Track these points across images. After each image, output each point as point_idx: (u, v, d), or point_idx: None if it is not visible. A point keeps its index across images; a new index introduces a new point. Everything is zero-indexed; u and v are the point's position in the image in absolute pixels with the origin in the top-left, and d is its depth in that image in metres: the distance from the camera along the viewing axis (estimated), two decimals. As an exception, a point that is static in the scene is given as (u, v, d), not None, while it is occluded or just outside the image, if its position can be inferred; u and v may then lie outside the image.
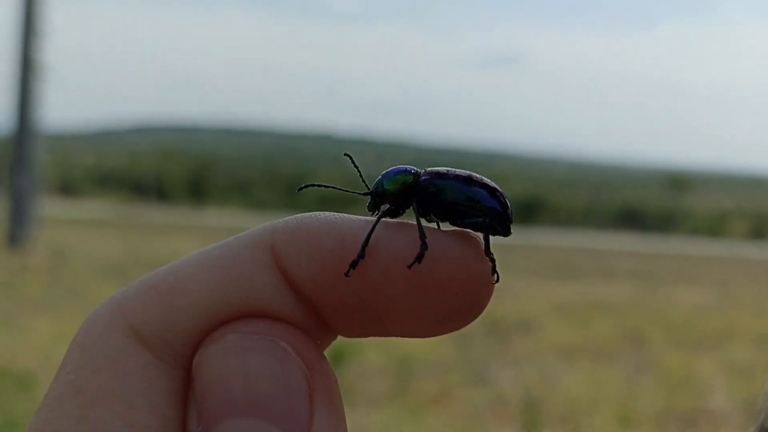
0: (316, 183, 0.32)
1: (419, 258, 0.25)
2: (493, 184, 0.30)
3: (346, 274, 0.25)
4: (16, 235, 10.76)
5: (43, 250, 10.18)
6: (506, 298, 8.17)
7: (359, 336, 0.27)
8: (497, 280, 0.28)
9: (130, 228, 16.14)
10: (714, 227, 32.22)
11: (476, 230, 0.29)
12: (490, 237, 0.29)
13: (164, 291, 0.24)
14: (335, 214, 0.26)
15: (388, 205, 0.30)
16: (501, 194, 0.30)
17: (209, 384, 0.23)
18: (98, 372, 0.23)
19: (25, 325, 5.15)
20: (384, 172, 0.30)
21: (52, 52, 12.97)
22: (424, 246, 0.26)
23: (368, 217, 0.27)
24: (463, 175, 0.30)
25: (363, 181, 0.31)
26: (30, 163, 11.38)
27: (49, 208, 17.40)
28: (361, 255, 0.25)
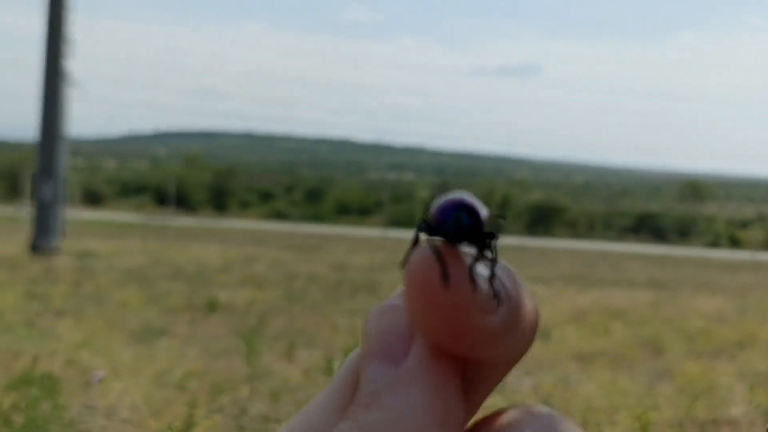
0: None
1: (403, 262, 0.27)
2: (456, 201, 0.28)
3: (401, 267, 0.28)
4: (41, 242, 10.92)
5: (67, 256, 10.33)
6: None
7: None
8: (497, 303, 0.27)
9: (153, 235, 16.30)
10: (733, 235, 31.88)
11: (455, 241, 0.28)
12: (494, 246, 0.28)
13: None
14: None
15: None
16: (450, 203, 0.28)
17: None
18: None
19: (49, 330, 5.25)
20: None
21: (78, 61, 13.14)
22: (410, 252, 0.27)
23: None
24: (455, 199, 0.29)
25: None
26: (55, 170, 11.55)
27: (75, 213, 17.60)
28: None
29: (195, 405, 3.70)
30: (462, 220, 0.28)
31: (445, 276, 0.26)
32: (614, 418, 3.94)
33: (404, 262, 0.27)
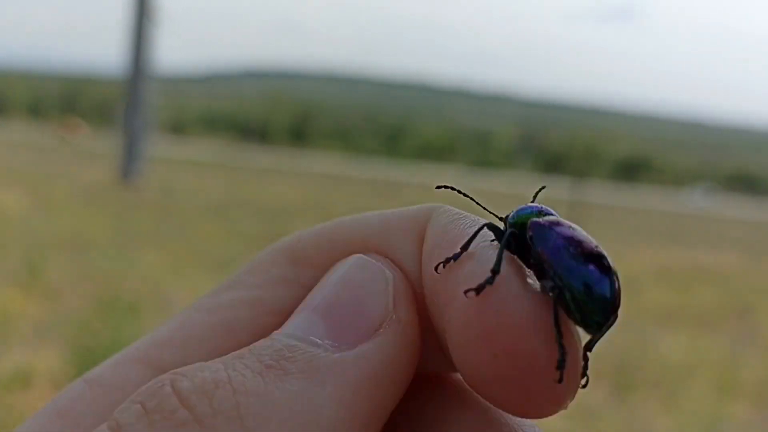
0: (457, 188, 0.31)
1: (478, 289, 0.23)
2: (608, 261, 0.25)
3: (436, 268, 0.25)
4: (129, 172, 11.30)
5: (153, 186, 10.65)
6: (605, 259, 7.98)
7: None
8: (585, 385, 0.24)
9: (235, 170, 16.64)
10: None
11: (565, 307, 0.24)
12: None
13: (327, 226, 0.30)
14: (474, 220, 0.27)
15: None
16: (614, 275, 0.25)
17: (317, 287, 0.27)
18: (249, 271, 0.29)
19: (135, 256, 5.43)
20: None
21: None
22: (489, 279, 0.23)
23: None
24: (577, 238, 0.25)
25: (483, 207, 0.30)
26: (143, 104, 11.86)
27: (160, 147, 18.13)
28: (456, 256, 0.25)
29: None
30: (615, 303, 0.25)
31: (560, 364, 0.23)
32: (693, 377, 3.82)
33: (481, 288, 0.24)
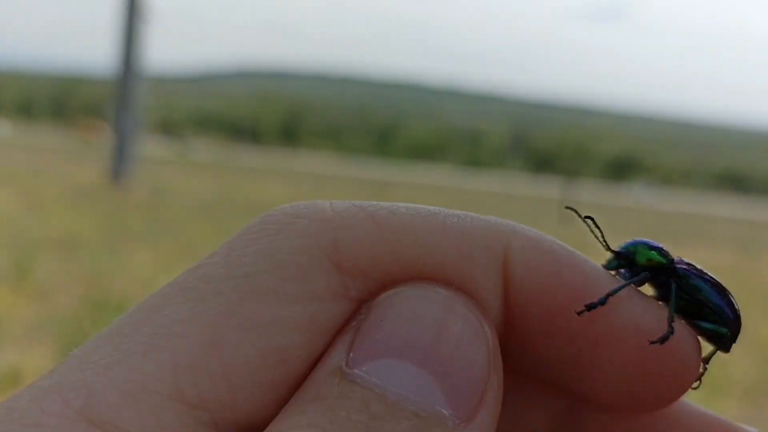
0: (581, 214, 0.32)
1: (663, 339, 0.25)
2: (731, 295, 0.30)
3: (579, 313, 0.24)
4: (119, 172, 11.26)
5: (144, 186, 10.62)
6: (594, 257, 8.00)
7: (525, 371, 0.26)
8: (698, 386, 0.28)
9: (226, 169, 16.61)
10: (825, 196, 30.40)
11: (709, 338, 0.29)
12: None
13: (384, 225, 0.24)
14: (578, 253, 0.26)
15: (627, 272, 0.29)
16: (737, 307, 0.30)
17: (391, 320, 0.22)
18: (278, 270, 0.22)
19: (126, 256, 5.42)
20: (637, 239, 0.30)
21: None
22: (671, 330, 0.25)
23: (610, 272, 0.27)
24: (716, 280, 0.30)
25: (604, 242, 0.31)
26: (133, 104, 11.82)
27: (151, 147, 18.08)
28: (603, 301, 0.24)
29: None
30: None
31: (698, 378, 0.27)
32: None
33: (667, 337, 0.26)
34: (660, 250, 0.30)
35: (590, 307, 0.24)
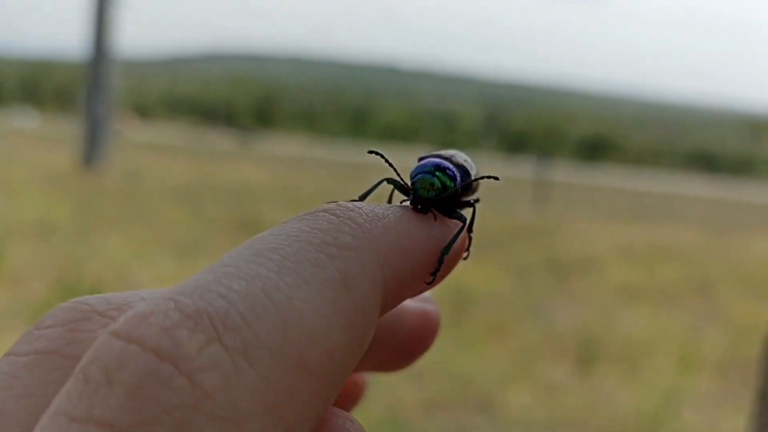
0: (382, 155, 0.30)
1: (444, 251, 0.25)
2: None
3: (429, 283, 0.24)
4: (92, 157, 11.13)
5: (117, 172, 10.51)
6: (568, 237, 8.09)
7: None
8: (466, 257, 0.27)
9: (200, 153, 16.48)
10: (793, 176, 30.90)
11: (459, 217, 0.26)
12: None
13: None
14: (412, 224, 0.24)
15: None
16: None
17: None
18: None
19: (100, 241, 5.37)
20: (422, 164, 0.28)
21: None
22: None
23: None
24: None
25: (401, 179, 0.28)
26: (105, 88, 11.66)
27: (123, 132, 17.84)
28: (441, 260, 0.24)
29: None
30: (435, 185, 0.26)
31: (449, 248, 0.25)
32: (655, 352, 3.91)
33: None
34: (444, 171, 0.27)
35: (434, 273, 0.23)
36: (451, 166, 0.27)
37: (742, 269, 6.98)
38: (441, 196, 0.26)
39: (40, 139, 15.42)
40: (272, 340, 0.17)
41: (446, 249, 0.24)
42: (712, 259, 7.56)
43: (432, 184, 0.26)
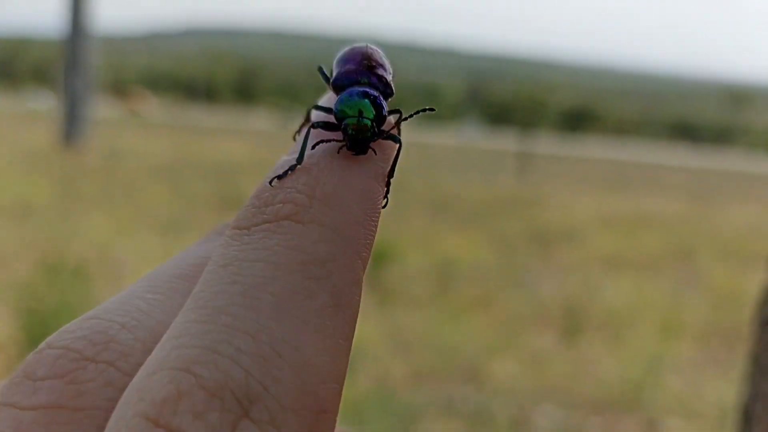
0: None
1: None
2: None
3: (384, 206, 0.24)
4: (71, 134, 11.00)
5: (97, 149, 10.41)
6: (551, 208, 8.12)
7: None
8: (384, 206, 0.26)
9: (180, 129, 16.35)
10: (772, 145, 31.15)
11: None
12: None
13: None
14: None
15: None
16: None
17: None
18: None
19: (81, 220, 5.33)
20: (343, 96, 0.27)
21: (101, -51, 12.86)
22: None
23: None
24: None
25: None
26: (83, 64, 11.49)
27: (103, 108, 17.66)
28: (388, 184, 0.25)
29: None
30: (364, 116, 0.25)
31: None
32: (638, 320, 3.96)
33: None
34: (374, 101, 0.26)
35: (386, 197, 0.24)
36: (377, 95, 0.26)
37: (723, 237, 7.05)
38: (374, 131, 0.25)
39: (17, 117, 15.22)
40: (292, 399, 0.18)
41: (391, 173, 0.24)
42: (693, 227, 7.63)
43: (365, 125, 0.25)
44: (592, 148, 22.62)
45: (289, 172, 0.23)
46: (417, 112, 0.27)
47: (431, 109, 0.27)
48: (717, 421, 2.76)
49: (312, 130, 0.25)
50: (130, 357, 0.20)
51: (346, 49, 0.28)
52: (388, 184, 0.24)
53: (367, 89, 0.26)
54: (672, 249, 6.24)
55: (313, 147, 0.24)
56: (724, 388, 3.04)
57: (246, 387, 0.18)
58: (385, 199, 0.24)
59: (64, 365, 0.20)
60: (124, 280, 3.89)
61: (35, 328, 2.52)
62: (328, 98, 0.27)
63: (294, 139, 0.27)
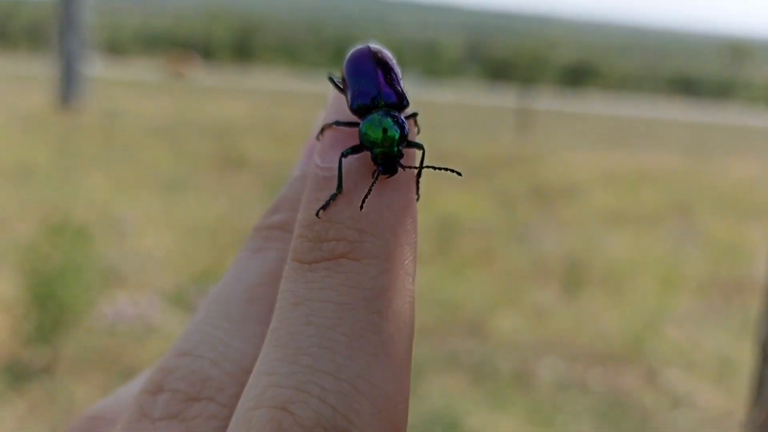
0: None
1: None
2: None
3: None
4: (68, 95, 10.92)
5: (95, 110, 10.35)
6: (551, 163, 8.11)
7: None
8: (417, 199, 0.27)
9: (178, 89, 16.23)
10: (772, 99, 30.94)
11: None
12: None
13: None
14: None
15: None
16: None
17: None
18: None
19: (81, 181, 5.33)
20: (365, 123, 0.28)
21: None
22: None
23: None
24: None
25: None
26: (78, 24, 11.35)
27: (98, 68, 17.49)
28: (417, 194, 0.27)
29: (225, 250, 3.79)
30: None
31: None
32: (638, 274, 3.98)
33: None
34: (396, 122, 0.27)
35: (418, 194, 0.26)
36: (398, 116, 0.27)
37: (723, 191, 7.06)
38: (400, 151, 0.26)
39: (13, 79, 15.11)
40: (372, 428, 0.21)
41: (419, 174, 0.26)
42: (693, 181, 7.63)
43: (393, 153, 0.26)
44: (593, 104, 22.49)
45: (332, 201, 0.24)
46: (441, 168, 0.28)
47: (458, 173, 0.28)
48: (716, 371, 2.80)
49: (343, 159, 0.26)
50: (224, 390, 0.24)
51: (353, 54, 0.29)
52: (418, 183, 0.26)
53: (388, 114, 0.27)
54: (672, 203, 6.25)
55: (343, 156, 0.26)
56: (723, 339, 3.07)
57: (334, 421, 0.21)
58: (418, 195, 0.26)
59: (175, 406, 0.24)
60: (127, 240, 3.90)
61: (40, 289, 2.54)
62: (340, 106, 0.28)
63: (318, 139, 0.27)
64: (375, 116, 0.27)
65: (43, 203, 4.51)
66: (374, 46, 0.29)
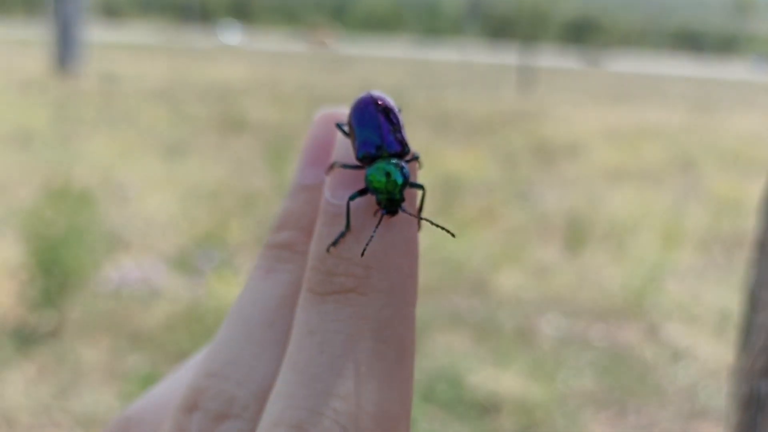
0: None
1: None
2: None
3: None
4: (66, 60, 10.84)
5: (93, 74, 10.28)
6: (554, 121, 8.07)
7: None
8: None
9: (176, 52, 16.08)
10: (778, 51, 30.56)
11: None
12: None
13: None
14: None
15: None
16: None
17: None
18: None
19: (82, 146, 5.31)
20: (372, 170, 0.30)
21: None
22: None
23: None
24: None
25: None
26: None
27: (95, 32, 17.33)
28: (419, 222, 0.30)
29: (227, 212, 3.80)
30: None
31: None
32: (640, 229, 3.99)
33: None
34: (398, 168, 0.29)
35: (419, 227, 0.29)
36: (401, 164, 0.29)
37: (724, 146, 7.03)
38: (402, 195, 0.29)
39: (9, 44, 14.98)
40: None
41: (420, 210, 0.29)
42: (695, 137, 7.60)
43: (396, 199, 0.28)
44: (595, 59, 22.28)
45: (341, 238, 0.27)
46: (438, 226, 0.31)
47: (452, 234, 0.31)
48: (716, 325, 2.82)
49: (351, 202, 0.29)
50: (249, 408, 0.27)
51: (357, 103, 0.31)
52: (419, 218, 0.29)
53: (391, 162, 0.29)
54: (674, 159, 6.24)
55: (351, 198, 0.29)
56: (724, 294, 3.09)
57: None
58: (419, 227, 0.29)
59: (207, 423, 0.27)
60: (130, 204, 3.91)
61: (45, 254, 2.55)
62: (348, 151, 0.30)
63: (326, 174, 0.30)
64: (380, 165, 0.29)
65: (44, 168, 4.50)
66: (376, 93, 0.31)
